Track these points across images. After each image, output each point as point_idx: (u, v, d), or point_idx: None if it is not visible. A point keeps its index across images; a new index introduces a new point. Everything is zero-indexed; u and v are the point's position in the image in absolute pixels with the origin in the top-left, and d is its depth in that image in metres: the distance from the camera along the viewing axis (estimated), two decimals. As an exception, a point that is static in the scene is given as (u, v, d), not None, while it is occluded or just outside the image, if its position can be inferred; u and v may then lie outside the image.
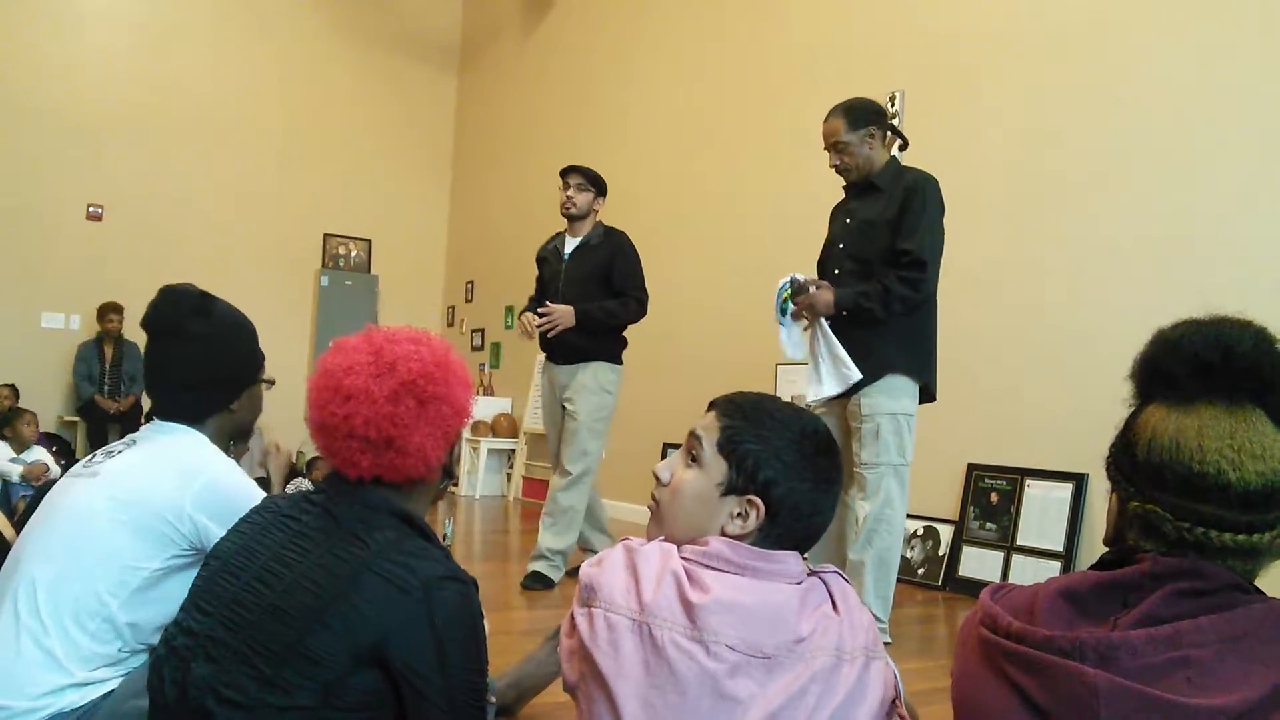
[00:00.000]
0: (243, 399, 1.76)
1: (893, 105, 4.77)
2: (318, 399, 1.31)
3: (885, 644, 3.05)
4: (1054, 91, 4.12)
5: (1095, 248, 3.90)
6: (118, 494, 1.53)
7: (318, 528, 1.28)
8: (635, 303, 4.06)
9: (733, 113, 6.05)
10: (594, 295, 4.03)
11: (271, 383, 1.89)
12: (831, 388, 3.13)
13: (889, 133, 3.27)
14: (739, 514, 1.23)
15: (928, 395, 3.24)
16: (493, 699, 1.42)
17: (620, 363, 4.17)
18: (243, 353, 1.77)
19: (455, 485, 7.93)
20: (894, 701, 1.22)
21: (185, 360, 1.68)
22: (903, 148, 3.45)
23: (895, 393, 3.10)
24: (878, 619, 3.07)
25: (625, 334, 4.22)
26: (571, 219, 4.19)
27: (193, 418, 1.69)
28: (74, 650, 1.47)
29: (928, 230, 3.04)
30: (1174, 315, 1.09)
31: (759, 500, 1.22)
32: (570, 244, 4.20)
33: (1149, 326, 1.09)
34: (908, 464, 3.13)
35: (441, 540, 1.35)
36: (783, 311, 3.25)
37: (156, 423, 1.70)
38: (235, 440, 1.81)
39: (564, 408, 4.12)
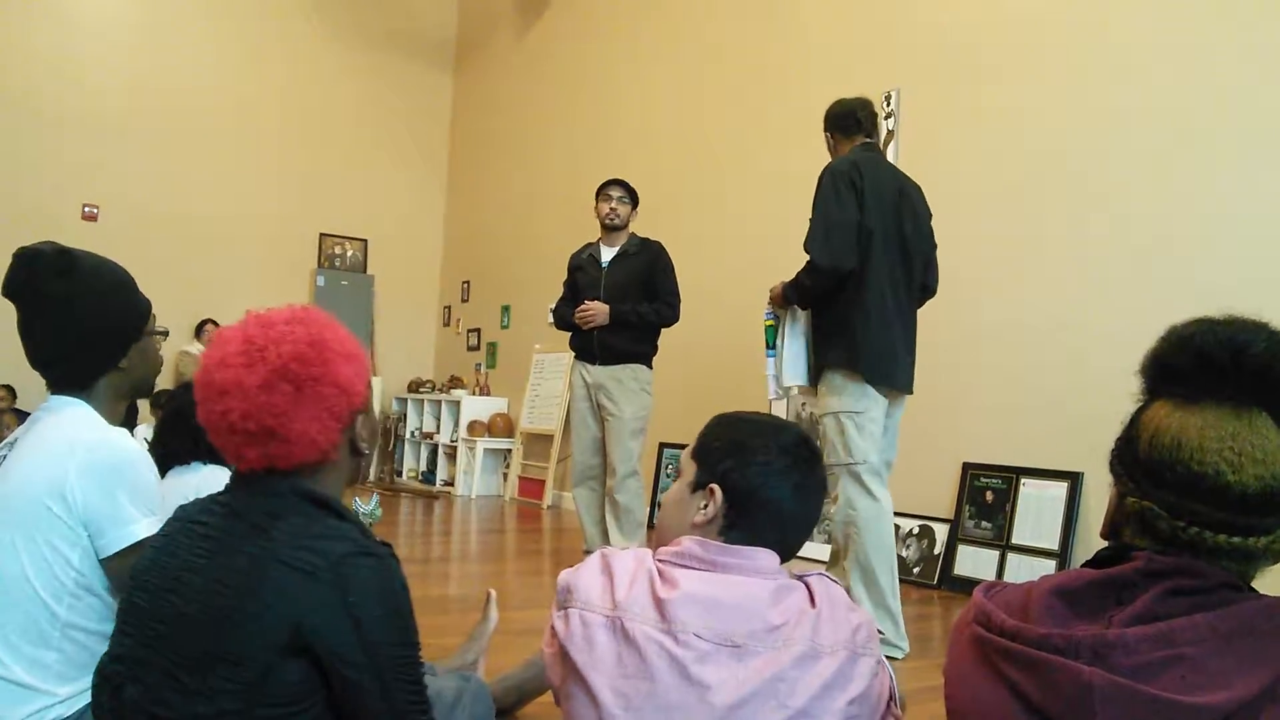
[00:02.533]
0: (131, 355, 1.63)
1: (889, 103, 4.77)
2: (199, 396, 1.25)
3: (893, 659, 2.94)
4: (1051, 91, 4.12)
5: (1091, 247, 3.91)
6: (9, 507, 1.45)
7: (222, 528, 1.23)
8: (667, 307, 4.29)
9: (729, 110, 6.05)
10: (634, 300, 4.24)
11: (165, 334, 1.75)
12: (788, 379, 3.28)
13: (841, 129, 3.29)
14: (704, 505, 1.30)
15: (896, 386, 3.13)
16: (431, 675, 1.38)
17: (652, 366, 4.38)
18: (116, 307, 1.62)
19: (451, 487, 7.93)
20: (889, 703, 1.23)
21: (55, 325, 1.56)
22: (867, 138, 3.30)
23: (832, 390, 3.09)
24: (878, 630, 2.95)
25: (657, 341, 4.43)
26: (612, 229, 4.39)
27: (81, 384, 1.60)
28: (47, 671, 1.44)
29: (813, 218, 3.10)
30: (1170, 315, 1.09)
31: (717, 487, 1.29)
32: (607, 253, 4.41)
33: (1144, 326, 1.09)
34: (859, 463, 2.99)
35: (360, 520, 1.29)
36: (770, 344, 3.38)
37: (44, 404, 1.60)
38: (135, 396, 1.69)
39: (601, 406, 4.24)
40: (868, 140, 3.28)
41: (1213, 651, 0.90)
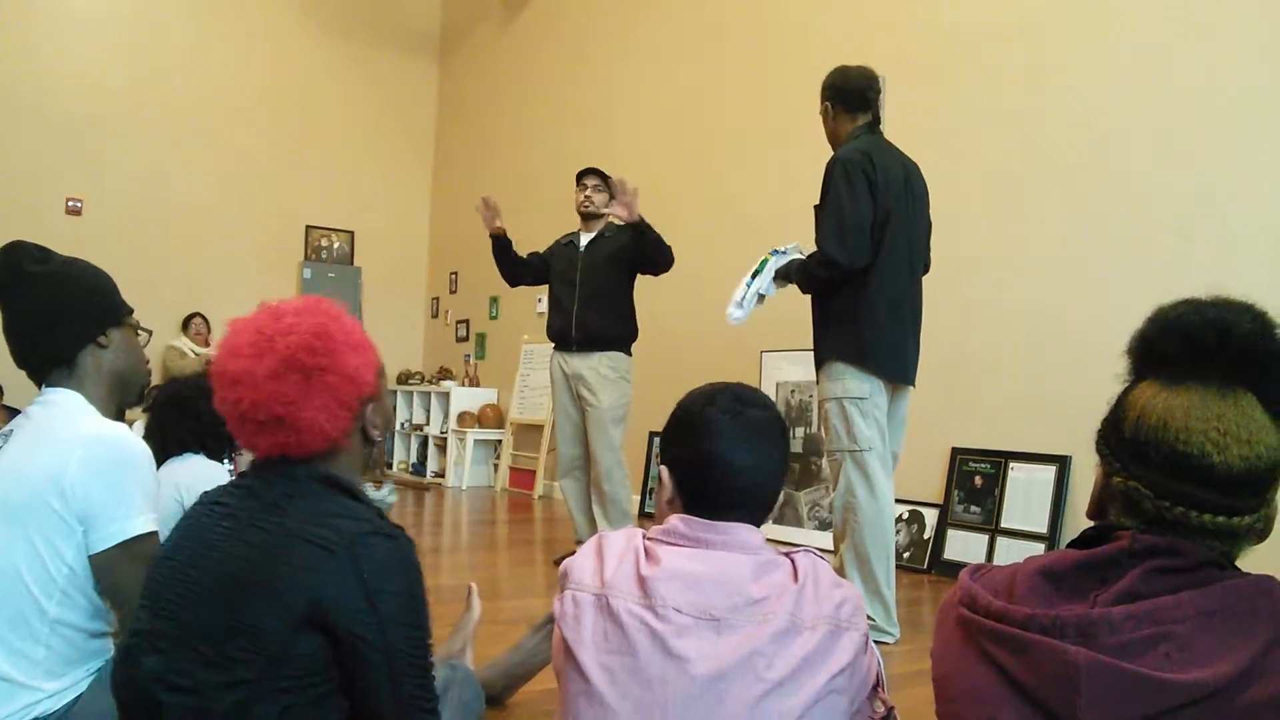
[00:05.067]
0: (111, 337, 1.66)
1: (874, 91, 4.75)
2: (215, 385, 1.29)
3: (883, 644, 2.94)
4: (1036, 79, 4.12)
5: (1078, 232, 3.92)
6: (5, 500, 1.46)
7: (242, 507, 1.27)
8: (670, 250, 4.27)
9: (718, 98, 6.04)
10: (613, 277, 4.22)
11: (149, 332, 1.80)
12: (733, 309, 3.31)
13: (847, 104, 3.18)
14: (662, 488, 1.36)
15: (899, 379, 3.12)
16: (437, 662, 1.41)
17: (631, 353, 4.36)
18: (91, 286, 1.67)
19: (441, 478, 7.93)
20: (875, 687, 1.25)
21: (34, 301, 1.60)
22: (869, 118, 3.23)
23: (834, 376, 3.05)
24: (868, 618, 2.92)
25: (637, 325, 4.43)
26: (589, 217, 4.42)
27: (64, 358, 1.62)
28: (35, 667, 1.44)
29: (827, 213, 3.01)
30: (1158, 299, 1.09)
31: (664, 468, 1.36)
32: (585, 238, 4.43)
33: (1131, 310, 1.09)
34: (863, 450, 2.98)
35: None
36: (755, 274, 3.32)
37: (37, 398, 1.62)
38: (124, 394, 1.71)
39: (580, 396, 4.23)
40: (874, 120, 3.19)
41: (1197, 629, 0.90)
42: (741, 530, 1.27)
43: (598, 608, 1.22)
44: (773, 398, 5.21)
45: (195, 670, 1.17)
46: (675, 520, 1.28)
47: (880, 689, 1.27)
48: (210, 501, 1.33)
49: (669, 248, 4.26)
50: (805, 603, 1.19)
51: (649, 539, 1.30)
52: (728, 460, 1.29)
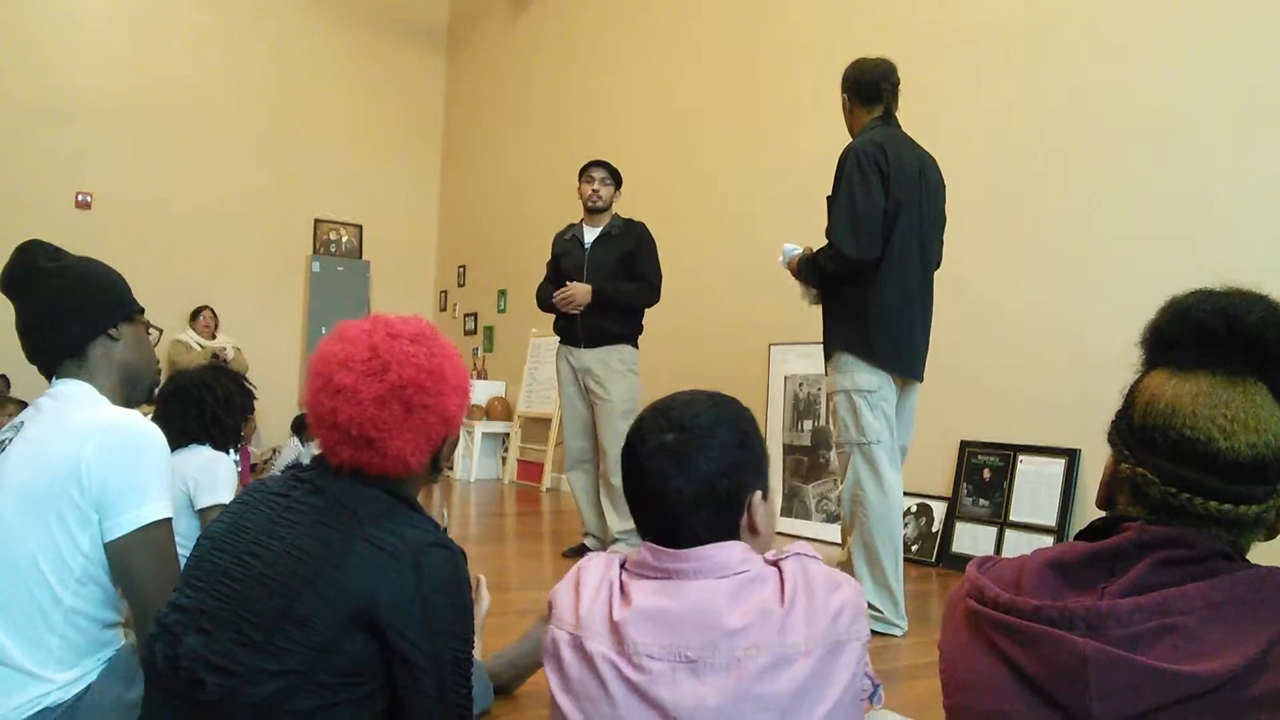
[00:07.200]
0: (123, 330, 1.67)
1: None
2: (311, 384, 1.33)
3: (892, 637, 2.95)
4: (1042, 72, 4.10)
5: (1085, 226, 3.90)
6: (23, 490, 1.46)
7: (307, 502, 1.30)
8: (649, 287, 4.26)
9: (722, 91, 6.02)
10: (619, 275, 4.20)
11: (160, 331, 1.83)
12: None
13: (865, 97, 3.19)
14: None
15: (908, 373, 3.11)
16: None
17: (637, 345, 4.36)
18: (103, 281, 1.69)
19: (451, 470, 7.95)
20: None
21: (47, 294, 1.62)
22: (886, 111, 3.22)
23: (843, 369, 3.05)
24: (875, 610, 2.93)
25: (643, 319, 4.40)
26: (595, 211, 4.38)
27: (74, 348, 1.63)
28: (48, 656, 1.45)
29: (839, 206, 3.01)
30: (1167, 292, 1.09)
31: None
32: (590, 233, 4.40)
33: (1141, 303, 1.09)
34: (872, 442, 2.99)
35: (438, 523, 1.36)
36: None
37: (48, 389, 1.63)
38: (133, 390, 1.71)
39: (589, 390, 4.22)
40: (887, 113, 3.19)
41: (1205, 620, 0.90)
42: (713, 551, 1.16)
43: (573, 648, 1.16)
44: (781, 391, 5.21)
45: (239, 653, 1.19)
46: (644, 551, 1.20)
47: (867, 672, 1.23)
48: (271, 492, 1.35)
49: (642, 292, 4.22)
50: (794, 626, 1.09)
51: (624, 570, 1.23)
52: (664, 494, 1.19)
